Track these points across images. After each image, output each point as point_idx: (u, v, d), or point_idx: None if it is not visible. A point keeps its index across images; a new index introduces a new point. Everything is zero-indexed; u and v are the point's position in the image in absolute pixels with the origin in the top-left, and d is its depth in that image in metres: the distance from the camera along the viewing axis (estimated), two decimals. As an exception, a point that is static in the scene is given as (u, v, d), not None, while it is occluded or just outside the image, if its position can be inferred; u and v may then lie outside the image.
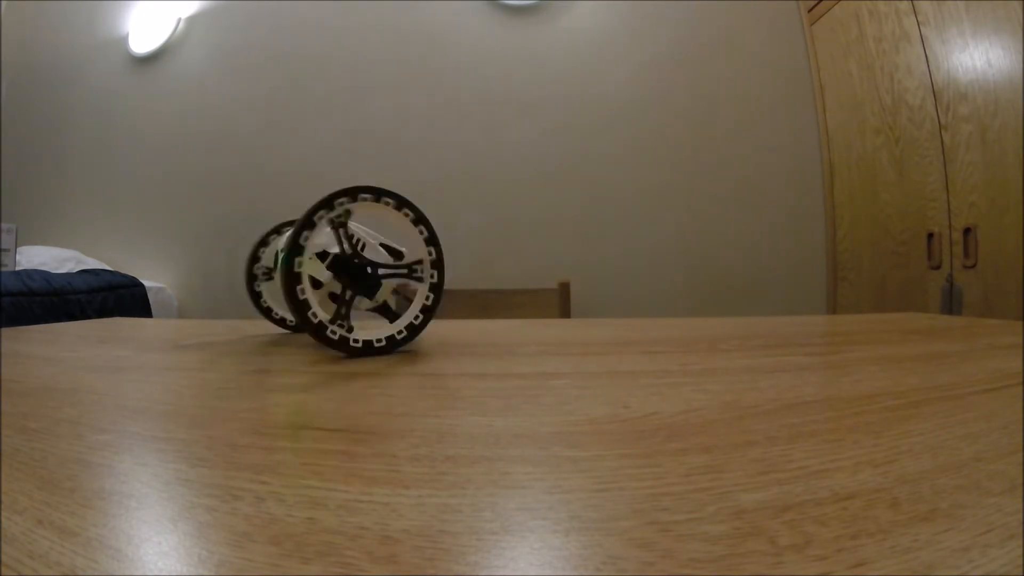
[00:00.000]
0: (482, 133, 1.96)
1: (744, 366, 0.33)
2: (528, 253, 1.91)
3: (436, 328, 0.59)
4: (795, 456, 0.17)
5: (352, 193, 0.38)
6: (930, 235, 1.38)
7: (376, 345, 0.38)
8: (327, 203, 0.37)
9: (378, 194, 0.39)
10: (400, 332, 0.39)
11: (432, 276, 0.41)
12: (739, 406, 0.23)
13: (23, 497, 0.14)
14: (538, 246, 1.91)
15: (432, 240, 0.41)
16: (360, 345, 0.37)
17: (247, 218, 2.05)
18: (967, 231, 1.27)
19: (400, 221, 0.40)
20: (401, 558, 0.11)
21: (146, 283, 1.91)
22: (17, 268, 1.64)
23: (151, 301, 1.88)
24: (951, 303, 1.31)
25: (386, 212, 0.40)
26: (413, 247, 0.41)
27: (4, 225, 1.62)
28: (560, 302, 1.23)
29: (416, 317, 0.40)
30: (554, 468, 0.16)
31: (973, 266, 1.25)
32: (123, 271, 1.93)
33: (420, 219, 0.40)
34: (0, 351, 0.41)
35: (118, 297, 1.74)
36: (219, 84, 2.10)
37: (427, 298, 0.40)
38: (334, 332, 0.36)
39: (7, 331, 0.55)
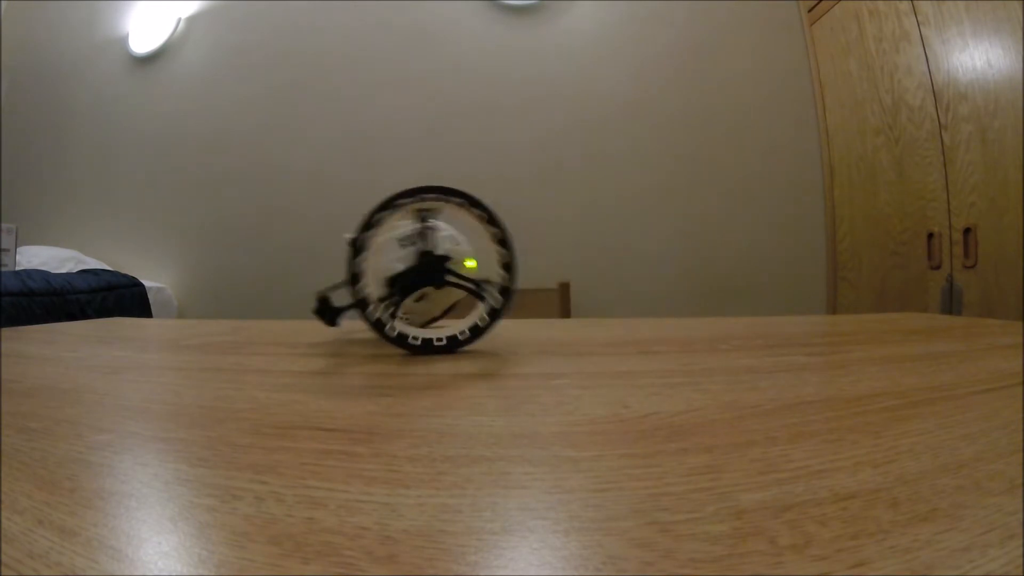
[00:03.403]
0: (482, 132, 1.96)
1: (744, 366, 0.33)
2: (528, 253, 1.91)
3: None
4: (795, 456, 0.17)
5: (446, 193, 0.38)
6: (930, 235, 1.38)
7: (436, 344, 0.37)
8: (410, 193, 0.37)
9: (471, 202, 0.38)
10: (463, 332, 0.38)
11: (496, 300, 0.39)
12: (739, 406, 0.23)
13: (23, 497, 0.14)
14: (538, 246, 1.91)
15: (509, 266, 0.39)
16: (419, 343, 0.37)
17: (247, 218, 2.06)
18: (967, 231, 1.27)
19: (481, 234, 0.39)
20: (401, 558, 0.11)
21: (146, 283, 1.91)
22: (17, 268, 1.64)
23: (151, 301, 1.88)
24: (951, 303, 1.31)
25: (471, 223, 0.39)
26: (486, 265, 0.39)
27: (4, 225, 1.62)
28: (560, 302, 1.23)
29: (481, 319, 0.39)
30: (554, 468, 0.16)
31: (973, 266, 1.25)
32: (123, 271, 1.93)
33: (505, 241, 0.39)
34: (0, 351, 0.41)
35: (118, 297, 1.74)
36: (219, 84, 2.10)
37: (481, 318, 0.39)
38: (392, 329, 0.36)
39: (7, 331, 0.55)
